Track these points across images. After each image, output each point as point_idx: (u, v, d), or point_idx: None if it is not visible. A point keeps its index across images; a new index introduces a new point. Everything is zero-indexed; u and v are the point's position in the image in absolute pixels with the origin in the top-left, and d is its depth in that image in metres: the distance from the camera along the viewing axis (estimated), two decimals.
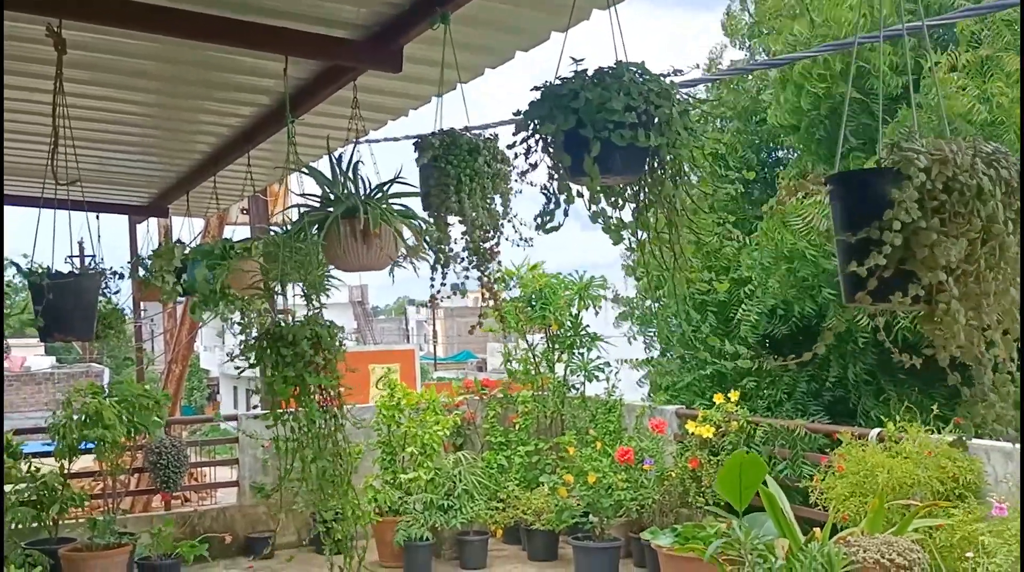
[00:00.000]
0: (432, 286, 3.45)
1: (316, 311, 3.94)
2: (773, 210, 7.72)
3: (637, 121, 2.71)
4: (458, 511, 8.55)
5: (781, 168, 9.89)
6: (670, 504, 8.34)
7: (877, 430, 6.62)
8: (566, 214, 2.96)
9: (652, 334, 10.53)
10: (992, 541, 4.96)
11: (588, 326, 10.00)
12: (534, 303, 9.55)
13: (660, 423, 8.36)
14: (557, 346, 9.90)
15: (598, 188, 2.79)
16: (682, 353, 9.75)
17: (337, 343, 3.73)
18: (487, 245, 3.30)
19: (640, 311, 10.71)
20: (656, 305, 10.44)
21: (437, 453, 8.85)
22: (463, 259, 3.38)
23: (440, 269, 3.39)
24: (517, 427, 9.59)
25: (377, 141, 6.30)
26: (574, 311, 9.88)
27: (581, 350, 9.85)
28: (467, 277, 3.42)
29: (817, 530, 5.02)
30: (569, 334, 9.83)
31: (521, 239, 3.37)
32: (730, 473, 5.06)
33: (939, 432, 6.15)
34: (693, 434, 8.16)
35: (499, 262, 3.42)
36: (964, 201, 2.18)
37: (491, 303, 3.61)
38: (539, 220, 2.83)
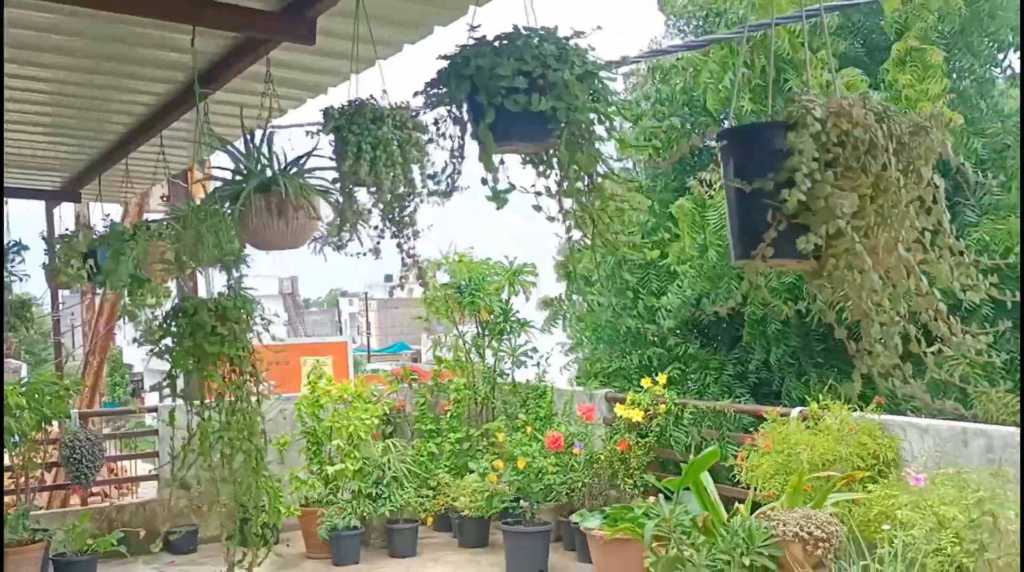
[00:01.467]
0: (340, 246, 3.35)
1: (232, 288, 3.82)
2: (691, 193, 7.78)
3: (530, 86, 2.65)
4: (387, 499, 8.46)
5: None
6: (599, 487, 8.36)
7: (799, 409, 6.70)
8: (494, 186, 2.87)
9: (579, 327, 10.55)
10: (909, 515, 5.04)
11: (518, 312, 9.97)
12: (464, 290, 9.48)
13: (590, 409, 8.36)
14: (487, 333, 9.85)
15: (501, 157, 2.72)
16: (609, 341, 9.78)
17: (246, 315, 3.61)
18: (404, 213, 3.22)
19: (568, 308, 10.73)
20: (584, 300, 10.45)
21: (365, 442, 8.74)
22: (380, 228, 3.29)
23: (352, 235, 3.30)
24: (448, 415, 9.51)
25: (300, 125, 6.17)
26: (504, 297, 9.84)
27: (511, 336, 9.82)
28: (380, 240, 3.32)
29: (740, 506, 5.06)
30: (499, 321, 9.79)
31: (432, 194, 3.25)
32: (690, 470, 5.09)
33: (861, 410, 6.24)
34: (622, 417, 8.18)
35: (416, 231, 3.33)
36: (857, 155, 2.17)
37: (415, 274, 3.52)
38: (442, 184, 2.76)
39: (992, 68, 8.90)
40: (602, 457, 8.25)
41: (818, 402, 6.34)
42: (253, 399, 3.83)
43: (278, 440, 8.64)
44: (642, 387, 8.11)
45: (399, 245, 3.48)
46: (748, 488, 6.37)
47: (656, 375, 8.25)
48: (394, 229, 3.24)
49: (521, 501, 8.15)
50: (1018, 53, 8.58)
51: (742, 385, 8.71)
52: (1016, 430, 5.65)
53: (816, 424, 6.22)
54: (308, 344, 22.07)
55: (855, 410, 6.21)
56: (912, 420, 6.27)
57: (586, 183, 2.91)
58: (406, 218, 3.25)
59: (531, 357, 9.83)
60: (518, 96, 2.63)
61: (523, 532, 7.90)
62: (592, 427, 8.53)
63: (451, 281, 9.61)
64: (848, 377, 7.02)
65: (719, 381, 8.69)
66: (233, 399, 3.74)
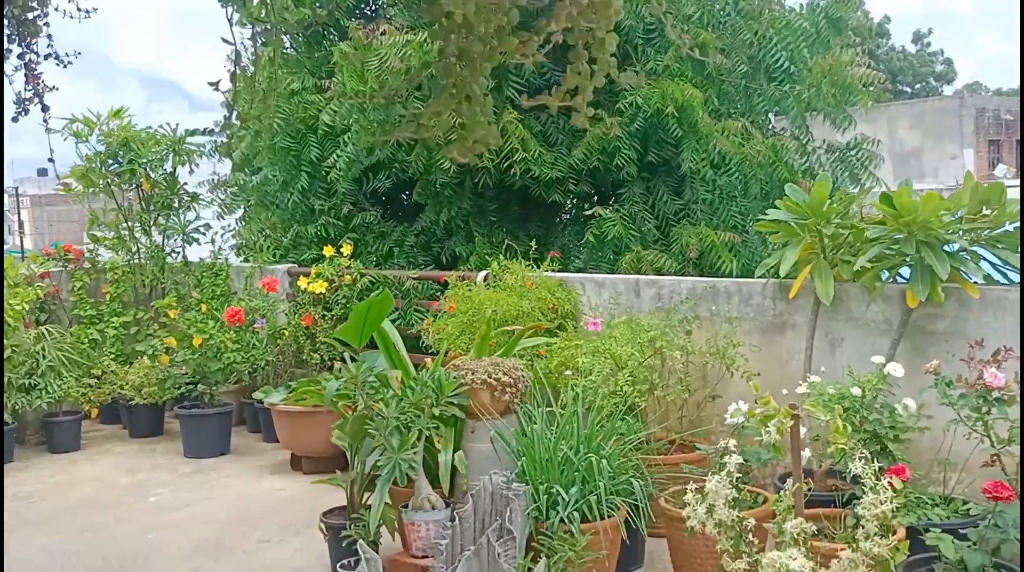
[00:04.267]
0: None
1: None
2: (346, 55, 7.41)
3: None
4: (43, 391, 7.61)
5: None
6: (284, 365, 8.06)
7: (484, 273, 6.76)
8: None
9: (251, 202, 9.97)
10: (589, 361, 5.23)
11: (186, 185, 9.21)
12: (120, 158, 8.56)
13: (271, 281, 7.95)
14: (153, 208, 9.03)
15: None
16: (282, 215, 9.33)
17: None
18: (30, 15, 2.66)
19: (237, 183, 10.08)
20: (253, 176, 9.86)
21: (15, 330, 7.75)
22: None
23: None
24: (109, 298, 8.66)
25: None
26: (168, 168, 9.02)
27: (180, 211, 9.07)
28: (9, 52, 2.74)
29: (429, 360, 5.00)
30: (165, 194, 8.99)
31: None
32: (358, 314, 4.83)
33: (537, 267, 6.37)
34: (306, 291, 7.88)
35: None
36: None
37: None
38: None
39: None
40: (286, 333, 7.92)
41: (499, 263, 6.40)
42: None
43: None
44: (324, 256, 7.81)
45: (27, 65, 2.90)
46: (432, 350, 6.37)
47: (338, 246, 7.99)
48: (19, 31, 2.67)
49: (200, 385, 7.66)
50: None
51: (426, 254, 8.67)
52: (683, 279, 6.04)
53: (498, 283, 6.29)
54: None
55: (534, 269, 6.35)
56: (589, 275, 6.53)
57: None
58: (31, 22, 2.68)
59: (204, 234, 9.18)
60: None
61: (200, 415, 7.45)
62: (275, 302, 8.15)
63: (106, 149, 8.63)
64: (525, 237, 7.23)
65: (402, 249, 8.57)
66: None
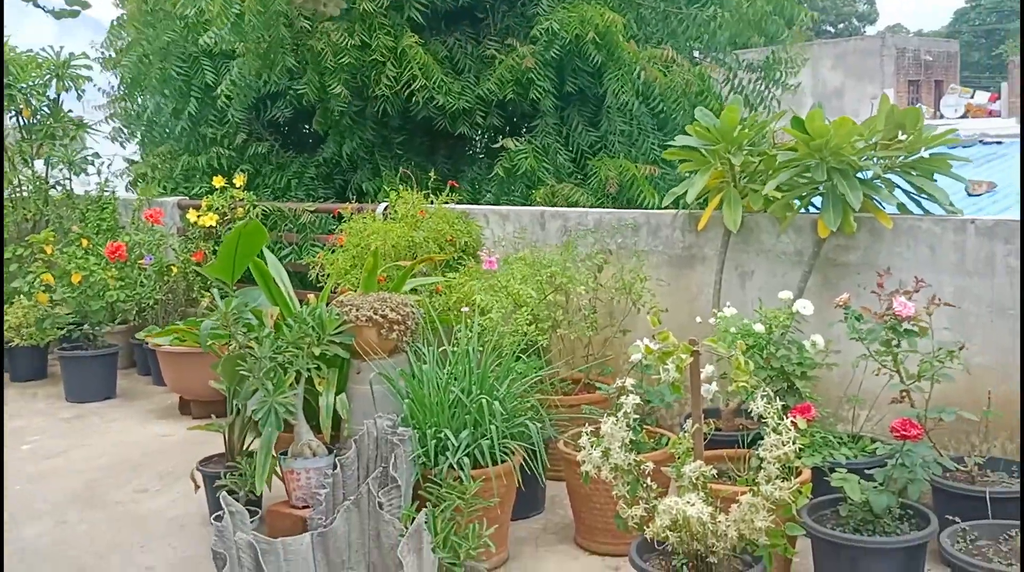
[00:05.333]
0: None
1: None
2: None
3: None
4: None
5: None
6: (174, 303, 7.59)
7: (383, 204, 6.37)
8: None
9: (139, 129, 9.35)
10: (487, 298, 4.92)
11: (71, 112, 8.57)
12: None
13: (156, 212, 7.41)
14: (34, 136, 8.38)
15: None
16: (172, 144, 8.76)
17: None
18: None
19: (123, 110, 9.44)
20: (139, 103, 9.24)
21: None
22: None
23: None
24: None
25: None
26: (52, 94, 8.38)
27: (64, 141, 8.44)
28: None
29: (311, 295, 4.62)
30: (47, 122, 8.35)
31: None
32: (227, 247, 4.41)
33: (436, 197, 6.02)
34: (196, 225, 7.40)
35: None
36: None
37: None
38: None
39: None
40: (175, 269, 7.44)
41: (398, 193, 6.02)
42: None
43: None
44: (214, 188, 7.31)
45: None
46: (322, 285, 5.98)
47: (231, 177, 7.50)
48: None
49: (84, 326, 7.15)
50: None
51: (326, 186, 8.20)
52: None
53: (395, 215, 5.92)
54: None
55: (431, 200, 5.98)
56: (493, 207, 6.19)
57: None
58: None
59: (91, 163, 8.58)
60: None
61: (83, 357, 6.96)
62: (163, 237, 7.65)
63: None
64: (428, 168, 6.82)
65: (301, 181, 8.10)
66: None
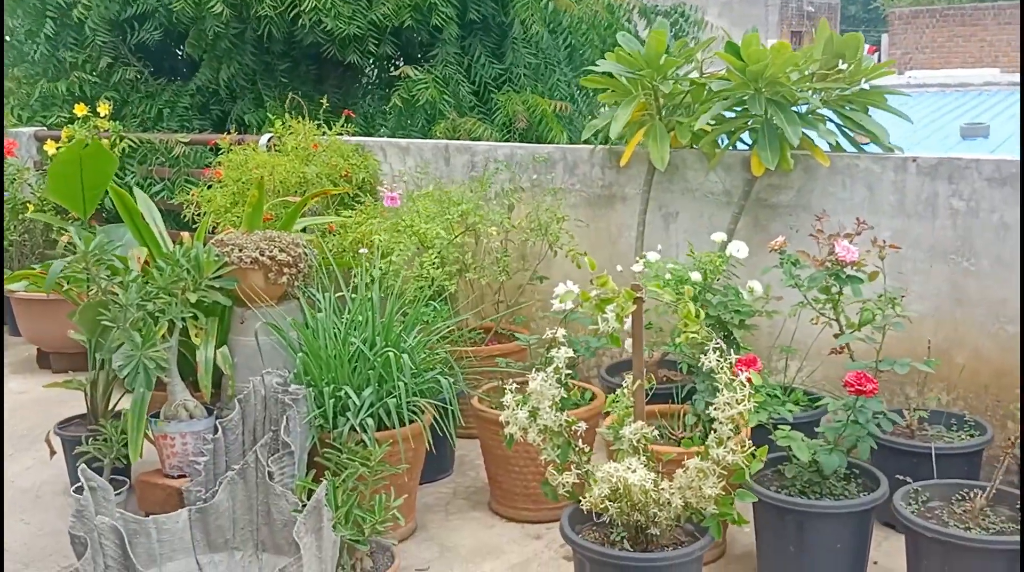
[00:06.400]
0: None
1: None
2: None
3: None
4: None
5: None
6: (33, 245, 6.80)
7: (267, 136, 5.76)
8: None
9: None
10: (387, 238, 4.43)
11: None
12: None
13: (10, 144, 6.59)
14: None
15: None
16: (28, 68, 7.83)
17: None
18: None
19: None
20: None
21: None
22: None
23: None
24: None
25: None
26: None
27: None
28: None
29: (186, 235, 4.03)
30: None
31: None
32: (67, 170, 3.74)
33: (330, 129, 5.45)
34: (55, 158, 6.59)
35: None
36: None
37: None
38: None
39: None
40: (31, 207, 6.64)
41: (282, 123, 5.42)
42: None
43: None
44: (76, 117, 6.52)
45: None
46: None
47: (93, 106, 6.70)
48: None
49: None
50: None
51: (203, 117, 7.44)
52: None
53: (283, 147, 5.34)
54: None
55: (323, 132, 5.41)
56: (392, 140, 5.66)
57: None
58: None
59: None
60: None
61: None
62: (19, 171, 6.82)
63: None
64: (320, 101, 6.22)
65: (175, 111, 7.32)
66: None
